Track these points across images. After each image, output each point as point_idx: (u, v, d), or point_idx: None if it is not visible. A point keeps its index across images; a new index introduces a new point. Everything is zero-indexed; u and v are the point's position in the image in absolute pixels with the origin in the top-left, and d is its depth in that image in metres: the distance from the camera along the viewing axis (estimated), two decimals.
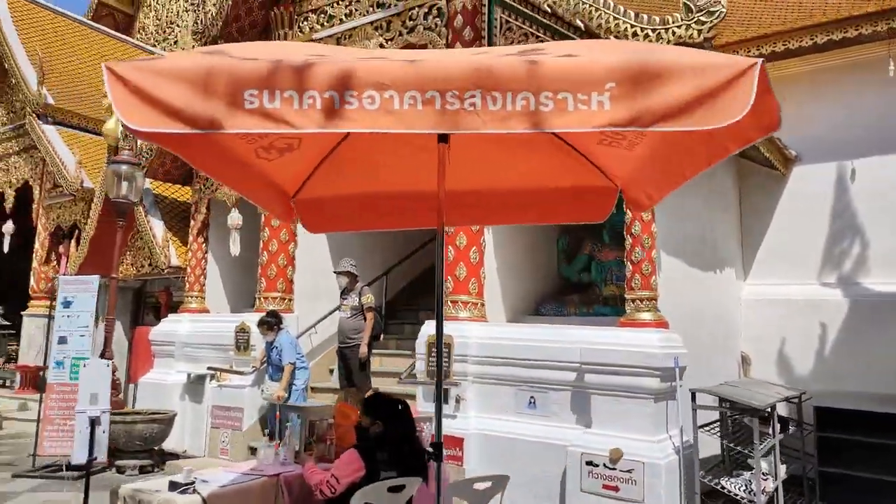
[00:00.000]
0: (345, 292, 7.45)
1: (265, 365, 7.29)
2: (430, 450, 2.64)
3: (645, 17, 5.10)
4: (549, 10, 5.71)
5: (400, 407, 3.55)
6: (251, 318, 7.95)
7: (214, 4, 8.46)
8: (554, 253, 7.76)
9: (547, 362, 5.46)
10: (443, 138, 2.81)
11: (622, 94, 1.83)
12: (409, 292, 10.36)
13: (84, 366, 3.80)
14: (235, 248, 8.93)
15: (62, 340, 7.71)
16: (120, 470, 7.44)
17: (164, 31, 17.67)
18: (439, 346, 2.69)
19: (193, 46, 14.46)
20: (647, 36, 5.03)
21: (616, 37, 5.20)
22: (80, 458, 3.95)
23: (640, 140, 2.78)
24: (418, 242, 10.38)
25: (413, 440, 3.46)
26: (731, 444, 4.86)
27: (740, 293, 7.74)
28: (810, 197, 7.58)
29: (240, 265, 9.68)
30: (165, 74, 1.94)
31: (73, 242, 10.97)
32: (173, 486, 3.13)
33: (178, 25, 17.42)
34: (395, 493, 3.27)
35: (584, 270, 7.41)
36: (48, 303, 12.06)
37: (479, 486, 3.41)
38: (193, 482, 3.15)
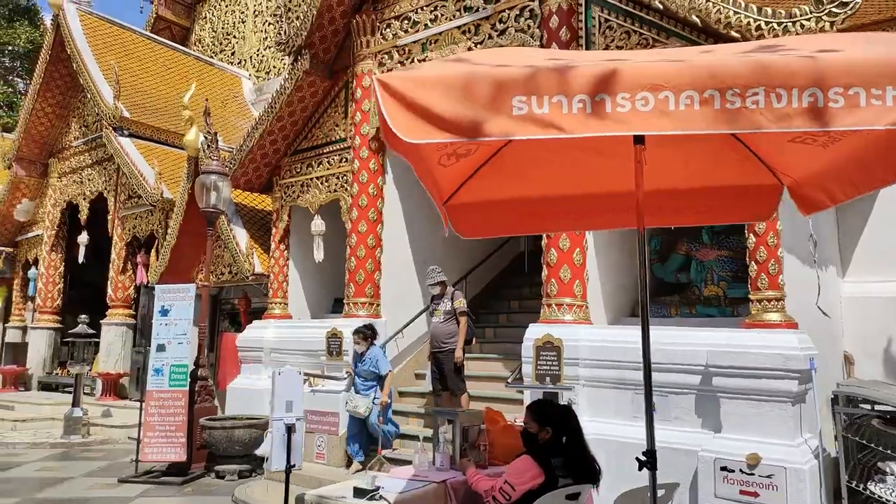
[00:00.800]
0: (437, 297, 7.45)
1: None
2: (643, 457, 2.59)
3: (769, 10, 4.98)
4: (660, 6, 5.62)
5: (565, 411, 3.51)
6: (342, 324, 8.02)
7: (298, 17, 8.57)
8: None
9: (667, 365, 5.35)
10: (639, 140, 2.77)
11: None
12: (485, 296, 10.32)
13: (279, 373, 3.85)
14: (319, 254, 9.03)
15: (161, 348, 7.86)
16: (220, 475, 7.56)
17: (221, 43, 18.00)
18: (646, 355, 2.63)
19: (278, 57, 14.45)
20: (772, 30, 4.91)
21: (738, 32, 5.08)
22: (278, 464, 4.01)
23: (844, 136, 2.69)
24: (492, 247, 10.36)
25: (583, 444, 3.41)
26: (878, 447, 4.69)
27: (840, 291, 7.51)
28: None
29: (318, 271, 9.78)
30: (431, 85, 1.93)
31: (153, 252, 11.20)
32: (359, 492, 3.13)
33: (234, 37, 17.73)
34: (573, 500, 3.23)
35: (680, 270, 7.28)
36: (126, 311, 12.39)
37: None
38: (378, 489, 3.16)
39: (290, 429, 3.60)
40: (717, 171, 3.41)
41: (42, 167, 14.84)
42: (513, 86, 1.91)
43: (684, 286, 7.21)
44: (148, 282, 11.65)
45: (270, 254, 9.54)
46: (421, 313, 8.77)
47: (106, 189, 12.86)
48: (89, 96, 12.63)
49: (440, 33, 7.74)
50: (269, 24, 16.54)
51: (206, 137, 9.69)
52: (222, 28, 18.11)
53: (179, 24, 18.96)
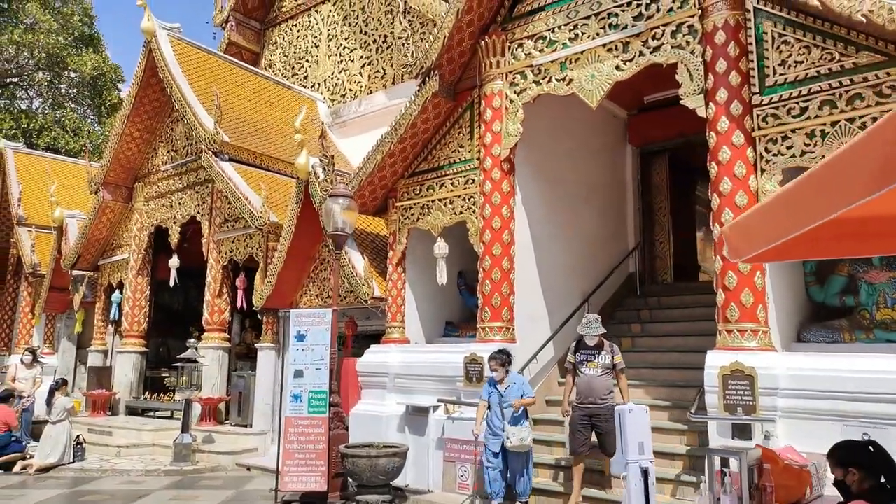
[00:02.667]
0: (590, 348, 6.96)
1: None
2: None
3: None
4: (862, 19, 5.40)
5: (872, 449, 3.24)
6: (480, 349, 7.81)
7: (424, 39, 8.51)
8: (800, 275, 7.34)
9: (887, 395, 5.06)
10: None
11: None
12: (602, 321, 10.04)
13: (629, 411, 3.65)
14: (443, 278, 8.86)
15: (298, 374, 7.72)
16: None
17: (293, 67, 18.13)
18: None
19: (404, 77, 13.93)
20: None
21: None
22: None
23: None
24: (607, 270, 10.12)
25: None
26: None
27: None
28: None
29: (431, 294, 9.61)
30: None
31: (258, 275, 11.12)
32: None
33: (306, 61, 17.86)
34: None
35: (844, 293, 6.96)
36: (222, 335, 12.33)
37: None
38: None
39: (645, 472, 3.38)
40: None
41: (127, 192, 14.95)
42: None
43: (850, 309, 6.88)
44: (249, 306, 11.58)
45: (388, 277, 9.40)
46: (551, 338, 8.56)
47: (199, 213, 12.88)
48: (185, 121, 12.72)
49: (582, 52, 7.60)
50: (345, 47, 16.63)
51: (321, 161, 9.65)
52: (294, 52, 18.27)
53: (250, 50, 19.15)
